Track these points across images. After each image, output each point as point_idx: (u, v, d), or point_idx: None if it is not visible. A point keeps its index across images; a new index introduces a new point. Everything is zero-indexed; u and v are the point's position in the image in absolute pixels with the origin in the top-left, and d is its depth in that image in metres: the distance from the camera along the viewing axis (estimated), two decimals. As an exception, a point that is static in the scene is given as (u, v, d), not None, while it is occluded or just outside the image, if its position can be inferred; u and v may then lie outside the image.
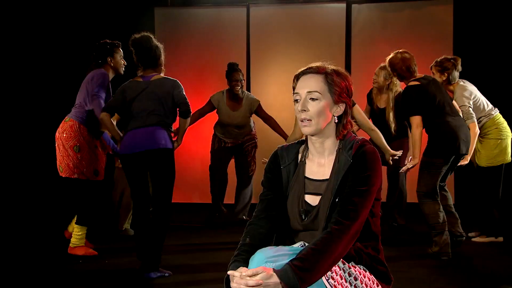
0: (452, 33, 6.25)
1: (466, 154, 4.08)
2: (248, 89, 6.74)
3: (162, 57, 3.71)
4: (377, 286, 1.82)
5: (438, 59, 4.51)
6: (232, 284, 1.63)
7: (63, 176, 4.07)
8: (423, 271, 3.64)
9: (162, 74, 3.72)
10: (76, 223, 4.12)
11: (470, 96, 4.37)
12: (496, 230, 4.53)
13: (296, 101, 1.89)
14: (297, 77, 1.91)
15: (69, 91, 6.41)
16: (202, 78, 6.65)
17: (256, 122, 6.63)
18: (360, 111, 3.94)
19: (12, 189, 6.21)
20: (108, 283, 3.46)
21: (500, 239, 4.52)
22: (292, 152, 1.96)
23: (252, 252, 1.75)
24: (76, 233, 4.09)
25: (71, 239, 4.12)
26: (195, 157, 6.52)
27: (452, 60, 4.47)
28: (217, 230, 5.22)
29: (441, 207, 4.01)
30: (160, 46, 3.69)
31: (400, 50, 4.15)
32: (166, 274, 3.55)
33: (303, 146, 1.96)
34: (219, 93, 5.46)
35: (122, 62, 4.22)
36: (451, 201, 4.27)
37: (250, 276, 1.60)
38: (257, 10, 6.77)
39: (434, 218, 3.96)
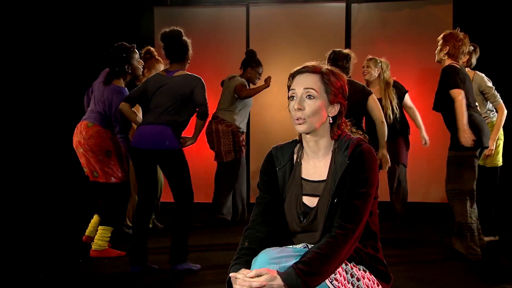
0: (451, 33, 6.25)
1: (488, 147, 4.04)
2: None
3: (189, 53, 3.76)
4: (378, 286, 1.82)
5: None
6: (235, 286, 1.63)
7: (101, 181, 3.99)
8: (423, 270, 3.64)
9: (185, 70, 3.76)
10: (103, 225, 4.02)
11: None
12: (494, 229, 4.53)
13: (291, 98, 1.86)
14: (292, 76, 1.90)
15: (70, 91, 6.44)
16: (201, 77, 6.64)
17: (260, 119, 6.64)
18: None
19: (16, 190, 6.23)
20: (107, 282, 3.46)
21: (496, 237, 4.53)
22: (287, 153, 1.94)
23: (252, 255, 1.75)
24: (105, 235, 4.00)
25: (97, 242, 3.99)
26: (196, 155, 6.52)
27: (471, 46, 4.52)
28: (216, 231, 5.21)
29: (472, 207, 3.86)
30: (188, 41, 3.74)
31: (462, 32, 4.06)
32: (195, 268, 3.63)
33: (298, 146, 1.95)
34: (242, 79, 5.41)
35: (139, 65, 4.16)
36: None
37: (252, 277, 1.60)
38: (256, 10, 6.77)
39: (463, 218, 3.83)
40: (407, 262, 3.84)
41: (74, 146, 4.03)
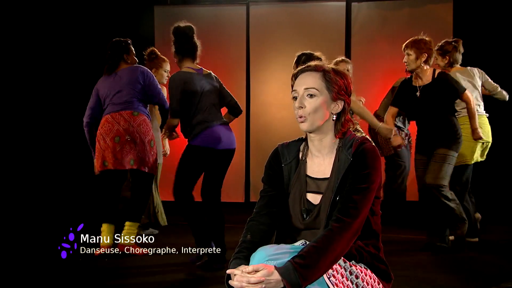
0: (451, 31, 6.24)
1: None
2: (248, 87, 6.75)
3: (197, 54, 3.80)
4: (378, 284, 1.83)
5: (440, 43, 4.50)
6: (233, 282, 1.64)
7: (134, 167, 3.97)
8: (424, 269, 3.64)
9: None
10: (130, 220, 4.01)
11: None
12: (472, 230, 4.47)
13: (294, 98, 1.90)
14: (295, 76, 1.92)
15: (69, 90, 6.45)
16: (201, 76, 6.66)
17: (260, 118, 6.65)
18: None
19: (18, 189, 6.23)
20: (107, 282, 3.46)
21: (475, 239, 4.45)
22: (293, 150, 1.96)
23: (253, 249, 1.76)
24: (132, 230, 3.99)
25: (126, 237, 3.94)
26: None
27: (453, 43, 4.50)
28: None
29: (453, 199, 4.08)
30: (198, 43, 3.79)
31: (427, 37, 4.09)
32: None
33: (303, 144, 1.97)
34: None
35: (135, 60, 4.22)
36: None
37: (250, 273, 1.61)
38: (256, 9, 6.77)
39: (458, 209, 4.06)
40: (407, 262, 3.84)
41: (112, 135, 3.95)
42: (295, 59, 3.89)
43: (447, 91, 4.01)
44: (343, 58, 4.80)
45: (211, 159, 3.72)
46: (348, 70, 4.70)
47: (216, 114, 3.74)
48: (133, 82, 4.02)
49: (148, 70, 4.14)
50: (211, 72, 3.84)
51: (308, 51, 3.97)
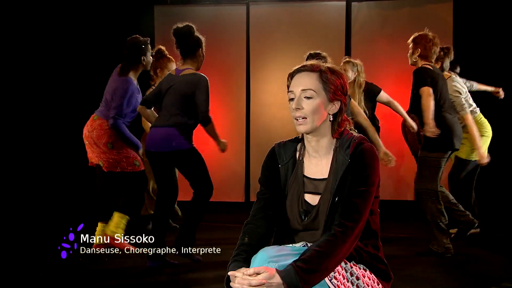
0: (452, 31, 6.25)
1: (458, 149, 4.12)
2: (248, 87, 6.75)
3: (201, 50, 3.77)
4: (378, 284, 1.82)
5: None
6: (234, 284, 1.63)
7: (106, 170, 4.04)
8: (423, 268, 3.64)
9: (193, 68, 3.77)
10: (119, 211, 4.00)
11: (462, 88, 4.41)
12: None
13: (290, 99, 1.87)
14: (291, 76, 1.90)
15: (69, 89, 6.45)
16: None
17: (260, 117, 6.64)
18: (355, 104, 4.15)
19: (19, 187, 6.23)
20: (107, 281, 3.46)
21: (477, 230, 4.46)
22: (290, 150, 1.95)
23: (251, 251, 1.75)
24: (121, 222, 3.98)
25: (112, 228, 3.95)
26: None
27: (444, 50, 4.53)
28: (216, 227, 5.22)
29: (442, 205, 4.01)
30: (202, 39, 3.77)
31: (431, 33, 4.10)
32: (196, 258, 3.75)
33: (300, 144, 1.95)
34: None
35: (151, 59, 4.21)
36: (450, 196, 4.28)
37: (251, 275, 1.61)
38: (256, 8, 6.76)
39: (437, 217, 3.97)
40: (407, 262, 3.84)
41: (83, 137, 4.12)
42: (305, 59, 3.90)
43: (415, 84, 3.97)
44: (349, 59, 4.80)
45: (157, 161, 3.70)
46: (358, 71, 4.72)
47: (168, 115, 3.65)
48: (113, 96, 4.01)
49: (126, 87, 4.01)
50: (196, 73, 3.67)
51: (314, 51, 3.98)
